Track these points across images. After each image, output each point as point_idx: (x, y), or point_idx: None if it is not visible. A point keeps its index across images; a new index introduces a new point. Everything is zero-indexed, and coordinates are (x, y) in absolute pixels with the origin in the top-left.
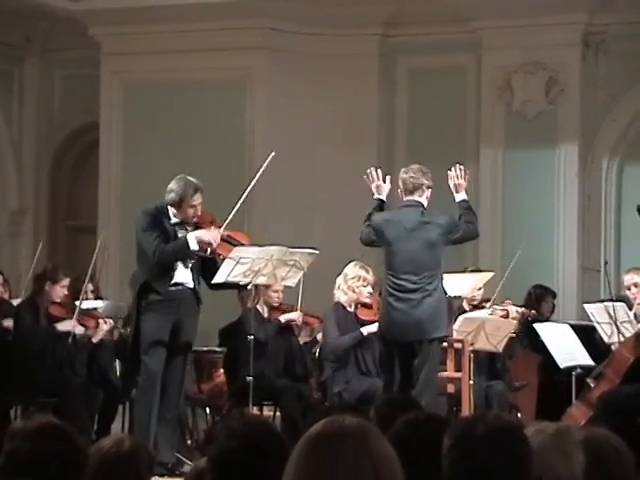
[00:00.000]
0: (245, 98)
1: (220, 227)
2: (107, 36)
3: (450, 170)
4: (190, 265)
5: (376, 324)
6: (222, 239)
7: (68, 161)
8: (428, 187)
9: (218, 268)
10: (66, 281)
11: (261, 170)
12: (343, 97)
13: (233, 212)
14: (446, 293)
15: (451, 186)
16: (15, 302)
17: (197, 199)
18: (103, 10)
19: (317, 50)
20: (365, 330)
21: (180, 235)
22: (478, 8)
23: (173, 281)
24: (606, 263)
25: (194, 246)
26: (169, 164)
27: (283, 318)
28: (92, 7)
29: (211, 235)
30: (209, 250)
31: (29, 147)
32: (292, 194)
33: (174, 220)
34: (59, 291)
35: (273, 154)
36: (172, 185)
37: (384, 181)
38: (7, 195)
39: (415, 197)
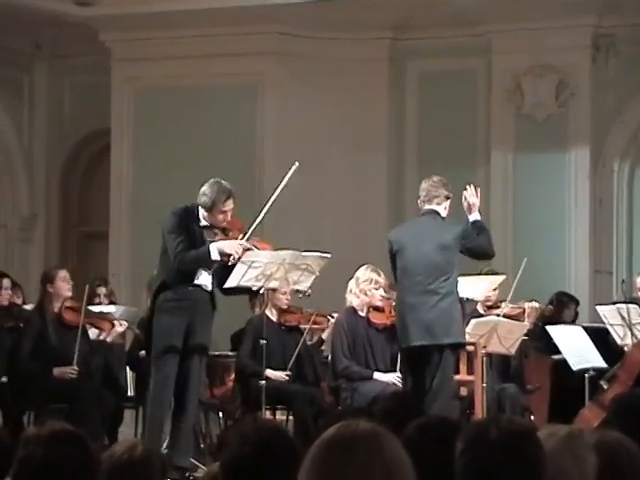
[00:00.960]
0: (256, 103)
1: (244, 236)
2: (118, 42)
3: (465, 190)
4: (212, 270)
5: (392, 375)
6: (248, 249)
7: (79, 167)
8: (447, 197)
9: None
10: (63, 272)
11: (285, 179)
12: (353, 101)
13: (257, 221)
14: (460, 299)
15: (464, 206)
16: (28, 307)
17: (229, 205)
18: (114, 16)
19: (327, 54)
20: (378, 376)
21: (207, 238)
22: (488, 11)
23: (193, 282)
24: (623, 281)
25: (215, 256)
26: (180, 169)
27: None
28: (102, 13)
29: (233, 247)
30: (230, 261)
31: (40, 153)
32: (303, 198)
33: (203, 223)
34: (62, 286)
35: (297, 164)
36: (205, 188)
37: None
38: (18, 201)
39: (432, 206)
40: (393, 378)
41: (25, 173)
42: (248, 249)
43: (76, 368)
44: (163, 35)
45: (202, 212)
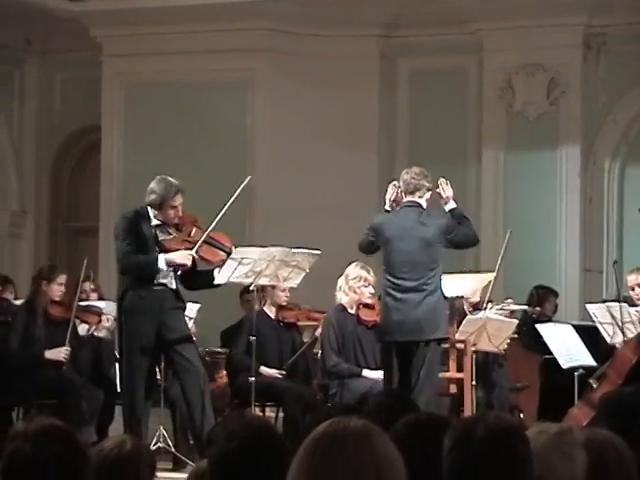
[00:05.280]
0: (246, 99)
1: (199, 229)
2: (108, 37)
3: (437, 187)
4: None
5: (380, 373)
6: (205, 242)
7: (69, 163)
8: (428, 189)
9: (195, 269)
10: (62, 278)
11: (236, 194)
12: (344, 98)
13: (206, 233)
14: (444, 295)
15: (441, 202)
16: (18, 302)
17: (178, 200)
18: (104, 11)
19: (318, 51)
20: (367, 373)
21: (160, 237)
22: (479, 10)
23: (156, 282)
24: (615, 262)
25: (162, 266)
26: (170, 165)
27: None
28: (93, 8)
29: (182, 258)
30: (180, 270)
31: (30, 149)
32: (293, 195)
33: (155, 222)
34: (56, 289)
35: (249, 178)
36: (153, 186)
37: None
38: (8, 196)
39: (415, 198)
40: (382, 375)
41: (15, 169)
42: (208, 242)
43: (68, 348)
44: (154, 31)
45: (152, 211)
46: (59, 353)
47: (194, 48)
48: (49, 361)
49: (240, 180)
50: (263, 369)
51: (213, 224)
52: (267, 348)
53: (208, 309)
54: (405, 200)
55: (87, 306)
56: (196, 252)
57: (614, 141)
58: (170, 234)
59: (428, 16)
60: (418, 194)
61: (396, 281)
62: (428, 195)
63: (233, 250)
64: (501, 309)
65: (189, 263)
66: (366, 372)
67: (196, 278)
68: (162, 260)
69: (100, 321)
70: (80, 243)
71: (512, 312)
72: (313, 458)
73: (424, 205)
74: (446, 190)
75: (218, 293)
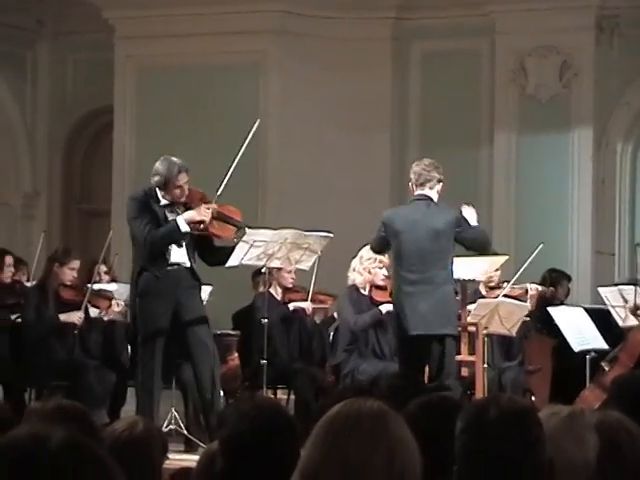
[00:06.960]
0: (258, 81)
1: (207, 220)
2: (121, 19)
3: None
4: (184, 244)
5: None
6: (214, 217)
7: (81, 144)
8: (439, 181)
9: (213, 244)
10: (75, 264)
11: (248, 138)
12: (356, 81)
13: (222, 187)
14: (454, 288)
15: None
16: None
17: (182, 179)
18: None
19: (330, 34)
20: (384, 308)
21: (170, 217)
22: None
23: (170, 262)
24: (637, 245)
25: (185, 228)
26: (182, 147)
27: (292, 306)
28: None
29: (201, 213)
30: (202, 227)
31: (42, 130)
32: (305, 178)
33: (163, 202)
34: (68, 274)
35: (258, 122)
36: (157, 167)
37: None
38: (21, 178)
39: (425, 191)
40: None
41: (28, 150)
42: (218, 212)
43: (82, 314)
44: (166, 13)
45: (160, 192)
46: (74, 316)
47: (206, 30)
48: (66, 325)
49: (251, 160)
50: None
51: (231, 169)
52: (273, 330)
53: (220, 291)
54: (415, 193)
55: (99, 290)
56: (206, 229)
57: (627, 123)
58: (179, 214)
59: None
60: (429, 185)
61: (405, 274)
62: (439, 187)
63: (244, 225)
64: (520, 288)
65: (209, 217)
66: (383, 307)
67: (215, 252)
68: (182, 222)
69: (110, 306)
70: (92, 225)
71: (526, 292)
72: (326, 437)
73: (434, 197)
74: (468, 214)
75: (230, 275)
